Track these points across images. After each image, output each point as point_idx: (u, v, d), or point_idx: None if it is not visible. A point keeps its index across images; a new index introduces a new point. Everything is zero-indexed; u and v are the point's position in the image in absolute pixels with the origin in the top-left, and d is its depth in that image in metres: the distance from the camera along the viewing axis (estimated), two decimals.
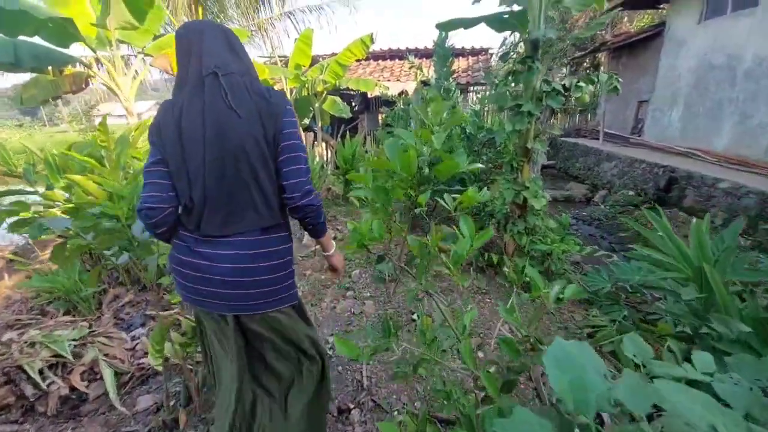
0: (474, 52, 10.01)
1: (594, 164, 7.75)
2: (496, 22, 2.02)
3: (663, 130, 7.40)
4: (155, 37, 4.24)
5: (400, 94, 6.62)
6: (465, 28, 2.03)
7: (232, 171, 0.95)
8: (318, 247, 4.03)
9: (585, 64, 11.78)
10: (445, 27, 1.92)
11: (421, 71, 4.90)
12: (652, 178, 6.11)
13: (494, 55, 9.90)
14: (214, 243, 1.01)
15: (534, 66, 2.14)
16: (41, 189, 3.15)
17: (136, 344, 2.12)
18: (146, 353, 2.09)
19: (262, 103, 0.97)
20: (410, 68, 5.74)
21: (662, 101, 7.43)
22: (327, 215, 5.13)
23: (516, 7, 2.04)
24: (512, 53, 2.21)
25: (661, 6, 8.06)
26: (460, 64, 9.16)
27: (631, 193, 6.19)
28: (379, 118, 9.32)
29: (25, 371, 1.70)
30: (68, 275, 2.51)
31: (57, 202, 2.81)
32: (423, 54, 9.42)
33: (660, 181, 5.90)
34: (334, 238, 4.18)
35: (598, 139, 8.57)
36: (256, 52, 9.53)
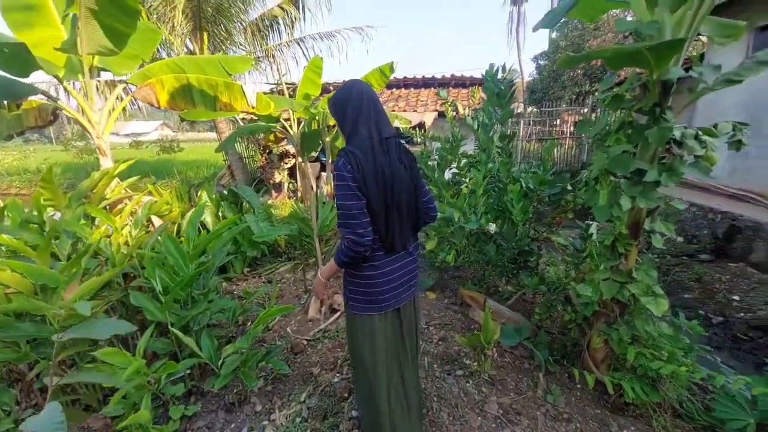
0: (474, 82, 8.83)
1: None
2: (620, 57, 1.33)
3: None
4: (143, 64, 3.63)
5: (415, 128, 5.97)
6: (570, 66, 1.34)
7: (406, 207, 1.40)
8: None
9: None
10: (566, 63, 1.24)
11: (453, 106, 4.24)
12: (707, 224, 5.35)
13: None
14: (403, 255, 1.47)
15: (665, 117, 1.45)
16: None
17: None
18: None
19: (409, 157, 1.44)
20: (444, 104, 5.09)
21: None
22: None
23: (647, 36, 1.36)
24: (627, 94, 1.51)
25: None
26: (460, 93, 8.51)
27: (680, 239, 5.39)
28: None
29: None
30: None
31: None
32: (438, 84, 8.91)
33: (717, 228, 5.15)
34: None
35: None
36: (260, 78, 9.06)
